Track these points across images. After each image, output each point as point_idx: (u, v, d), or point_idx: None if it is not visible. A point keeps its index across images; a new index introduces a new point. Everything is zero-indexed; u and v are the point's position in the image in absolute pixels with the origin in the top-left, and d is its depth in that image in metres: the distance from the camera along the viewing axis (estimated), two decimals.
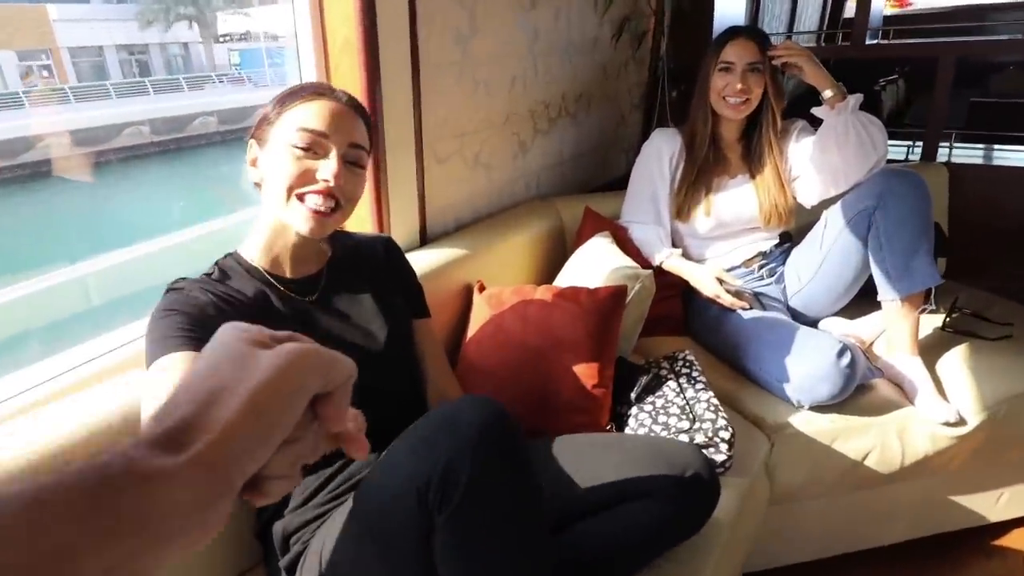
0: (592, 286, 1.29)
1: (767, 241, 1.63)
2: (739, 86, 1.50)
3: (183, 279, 0.87)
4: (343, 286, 0.98)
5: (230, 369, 0.29)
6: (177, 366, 0.73)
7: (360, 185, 0.90)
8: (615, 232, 1.61)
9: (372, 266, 1.03)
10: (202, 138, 11.26)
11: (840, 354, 1.20)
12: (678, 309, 1.64)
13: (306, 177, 0.84)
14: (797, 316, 1.59)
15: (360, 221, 1.35)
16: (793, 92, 2.12)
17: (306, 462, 0.32)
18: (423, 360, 1.07)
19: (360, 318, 0.96)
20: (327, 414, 0.31)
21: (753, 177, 1.60)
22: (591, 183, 2.13)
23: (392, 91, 1.27)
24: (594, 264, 1.43)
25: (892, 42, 3.22)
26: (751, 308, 1.50)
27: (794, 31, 4.32)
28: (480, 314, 1.34)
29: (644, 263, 1.56)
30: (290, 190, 0.85)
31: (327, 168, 0.84)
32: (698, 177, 1.58)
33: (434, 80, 1.40)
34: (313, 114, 0.85)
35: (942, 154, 2.08)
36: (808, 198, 1.55)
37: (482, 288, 1.40)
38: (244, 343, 0.31)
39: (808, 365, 1.24)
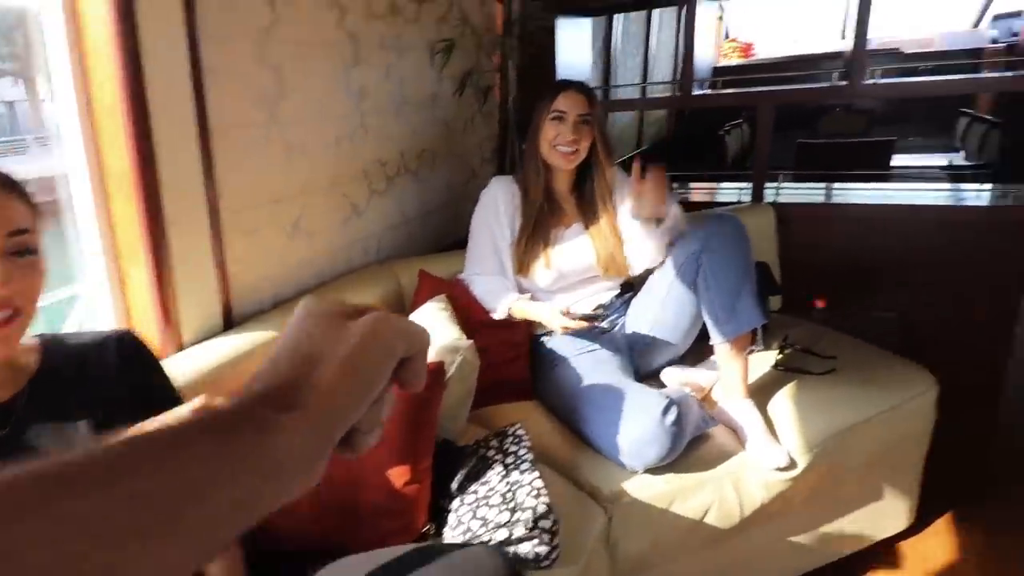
0: None
1: (608, 292, 1.63)
2: (571, 136, 1.51)
3: None
4: (49, 412, 0.78)
5: (323, 337, 0.31)
6: None
7: (38, 276, 0.72)
8: (453, 293, 1.53)
9: (97, 378, 0.83)
10: None
11: (665, 411, 1.18)
12: (524, 371, 1.58)
13: None
14: (640, 366, 1.58)
15: (141, 309, 1.18)
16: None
17: (385, 419, 0.35)
18: None
19: (66, 447, 0.76)
20: (409, 377, 0.34)
21: (588, 227, 1.60)
22: (443, 241, 2.06)
23: (172, 158, 1.13)
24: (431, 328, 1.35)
25: (719, 92, 3.51)
26: (598, 325, 1.49)
27: (648, 82, 4.63)
28: None
29: (487, 319, 1.51)
30: None
31: None
32: (535, 229, 1.56)
33: (233, 145, 1.28)
34: None
35: (770, 195, 2.22)
36: (635, 266, 1.60)
37: None
38: (332, 313, 0.33)
39: (635, 428, 1.21)
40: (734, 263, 1.41)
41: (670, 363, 1.61)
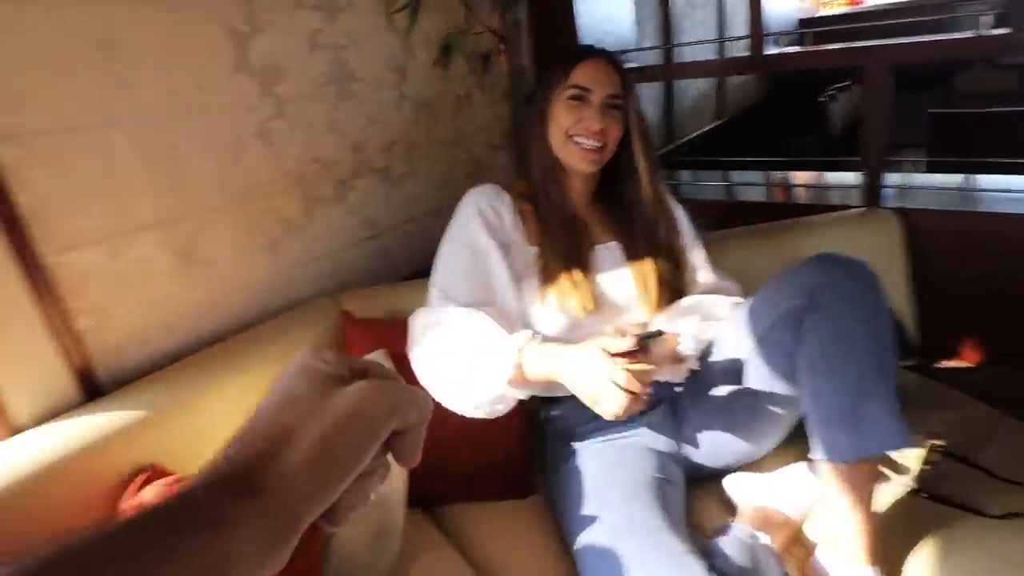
0: None
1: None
2: (597, 124, 1.04)
3: None
4: None
5: (306, 405, 0.29)
6: None
7: None
8: (398, 342, 1.07)
9: None
10: None
11: None
12: (518, 454, 1.10)
13: None
14: (697, 461, 1.04)
15: None
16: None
17: (376, 489, 0.32)
18: None
19: None
20: (401, 452, 0.32)
21: (626, 248, 1.11)
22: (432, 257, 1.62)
23: None
24: None
25: (807, 49, 2.71)
26: (685, 379, 0.99)
27: (725, 38, 3.88)
28: None
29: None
30: None
31: None
32: (564, 246, 1.07)
33: (55, 159, 0.91)
34: None
35: (890, 194, 1.54)
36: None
37: (146, 481, 0.87)
38: (322, 376, 0.30)
39: None
40: (861, 337, 0.83)
41: (741, 465, 1.05)
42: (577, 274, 1.04)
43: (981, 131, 2.77)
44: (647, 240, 1.11)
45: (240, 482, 0.26)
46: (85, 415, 0.91)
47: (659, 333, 0.88)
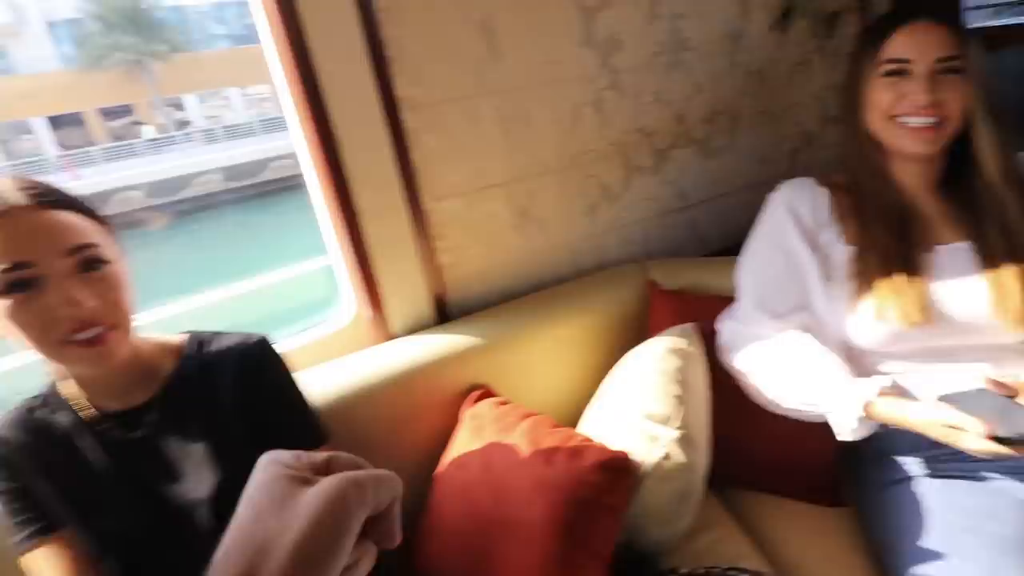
0: (605, 436, 0.83)
1: (1007, 357, 0.87)
2: (925, 98, 0.87)
3: None
4: (177, 419, 0.75)
5: (273, 517, 0.29)
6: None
7: (116, 286, 0.68)
8: (707, 322, 1.05)
9: (218, 388, 0.77)
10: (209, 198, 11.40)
11: None
12: (824, 460, 0.98)
13: (44, 321, 0.64)
14: None
15: (355, 297, 1.13)
16: None
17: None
18: None
19: (185, 464, 0.73)
20: (379, 536, 0.31)
21: (980, 247, 0.89)
22: (743, 234, 1.53)
23: (355, 144, 1.03)
24: (629, 391, 0.94)
25: None
26: None
27: None
28: (460, 437, 0.97)
29: None
30: (46, 340, 0.65)
31: (58, 301, 0.63)
32: (891, 246, 0.91)
33: (431, 123, 1.11)
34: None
35: None
36: None
37: (480, 397, 1.03)
38: (284, 482, 0.30)
39: None
40: None
41: None
42: (902, 278, 0.87)
43: None
44: (1006, 239, 0.87)
45: None
46: (437, 335, 1.12)
47: None
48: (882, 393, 0.82)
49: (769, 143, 1.54)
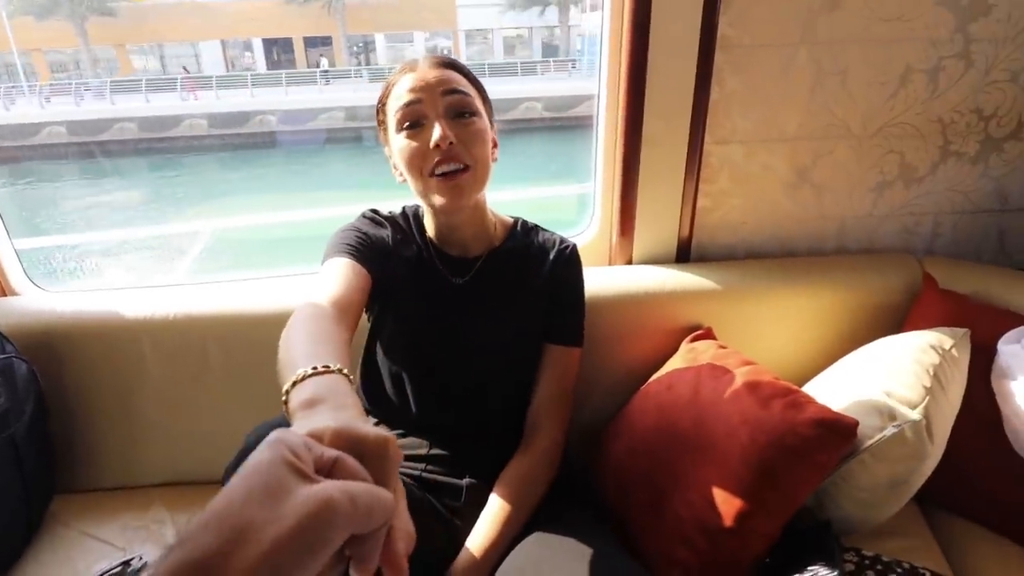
0: (831, 401, 0.83)
1: None
2: None
3: (375, 210, 0.98)
4: (494, 281, 0.93)
5: (262, 504, 0.28)
6: (337, 270, 0.80)
7: (479, 137, 0.83)
8: (980, 325, 0.95)
9: (532, 271, 0.94)
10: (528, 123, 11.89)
11: None
12: None
13: (420, 152, 0.82)
14: None
15: (602, 219, 1.23)
16: None
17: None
18: (538, 384, 0.94)
19: (492, 318, 0.91)
20: (357, 556, 0.32)
21: None
22: None
23: (663, 76, 1.07)
24: (874, 368, 0.90)
25: None
26: None
27: None
28: (673, 363, 1.05)
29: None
30: (418, 169, 0.83)
31: (434, 133, 0.80)
32: None
33: (743, 67, 1.10)
34: (404, 88, 0.82)
35: None
36: None
37: (701, 336, 1.08)
38: (285, 471, 0.30)
39: None
40: None
41: None
42: None
43: None
44: None
45: None
46: (673, 269, 1.17)
47: None
48: None
49: None
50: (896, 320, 1.11)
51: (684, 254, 1.24)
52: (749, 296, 1.13)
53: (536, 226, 1.00)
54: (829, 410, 0.78)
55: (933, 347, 0.90)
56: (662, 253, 1.23)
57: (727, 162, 1.17)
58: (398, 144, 0.84)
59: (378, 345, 0.95)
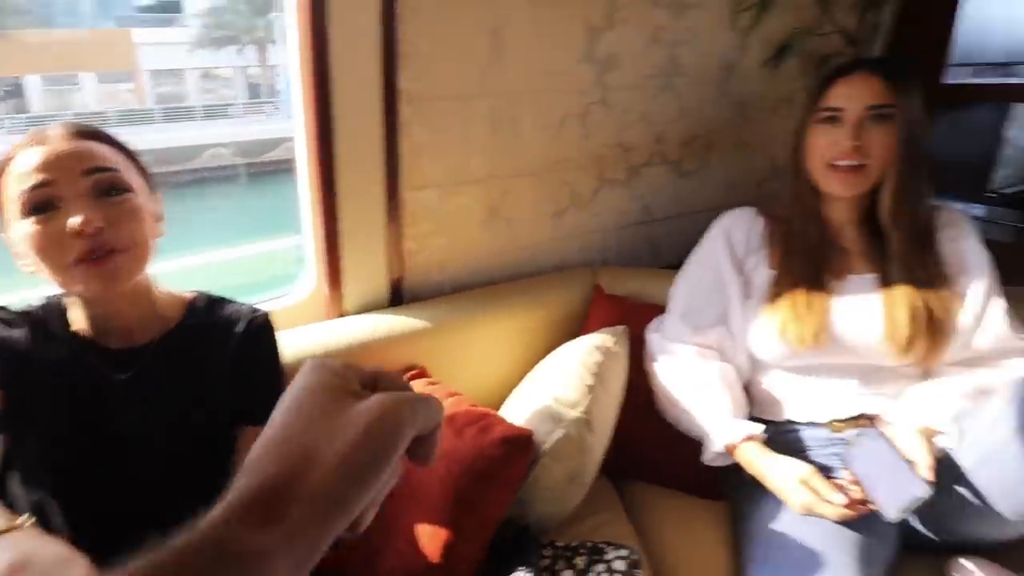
0: (517, 416, 0.95)
1: (885, 398, 1.03)
2: (849, 143, 0.98)
3: (3, 307, 0.80)
4: (170, 368, 0.81)
5: (322, 425, 0.28)
6: None
7: (133, 217, 0.73)
8: (638, 324, 1.19)
9: (216, 350, 0.84)
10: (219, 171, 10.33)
11: None
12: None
13: (56, 241, 0.70)
14: (911, 535, 0.98)
15: (318, 272, 1.21)
16: None
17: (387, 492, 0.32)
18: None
19: (167, 412, 0.80)
20: (419, 454, 0.31)
21: (885, 281, 1.03)
22: None
23: (351, 129, 1.09)
24: (548, 377, 1.07)
25: None
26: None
27: None
28: None
29: None
30: (56, 260, 0.71)
31: (73, 220, 0.69)
32: (804, 273, 1.05)
33: (426, 118, 1.17)
34: (30, 166, 0.70)
35: None
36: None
37: (414, 377, 1.15)
38: (334, 392, 0.30)
39: None
40: None
41: (981, 542, 0.95)
42: (808, 303, 1.01)
43: None
44: (906, 273, 1.00)
45: (264, 510, 0.26)
46: (384, 315, 1.21)
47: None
48: (749, 438, 0.99)
49: (740, 171, 1.63)
50: (578, 328, 1.31)
51: (398, 297, 1.28)
52: (457, 329, 1.23)
53: (222, 299, 0.90)
54: (512, 427, 0.90)
55: (597, 347, 1.08)
56: (375, 299, 1.25)
57: (425, 206, 1.24)
58: (23, 231, 0.70)
59: (11, 479, 0.77)
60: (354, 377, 0.32)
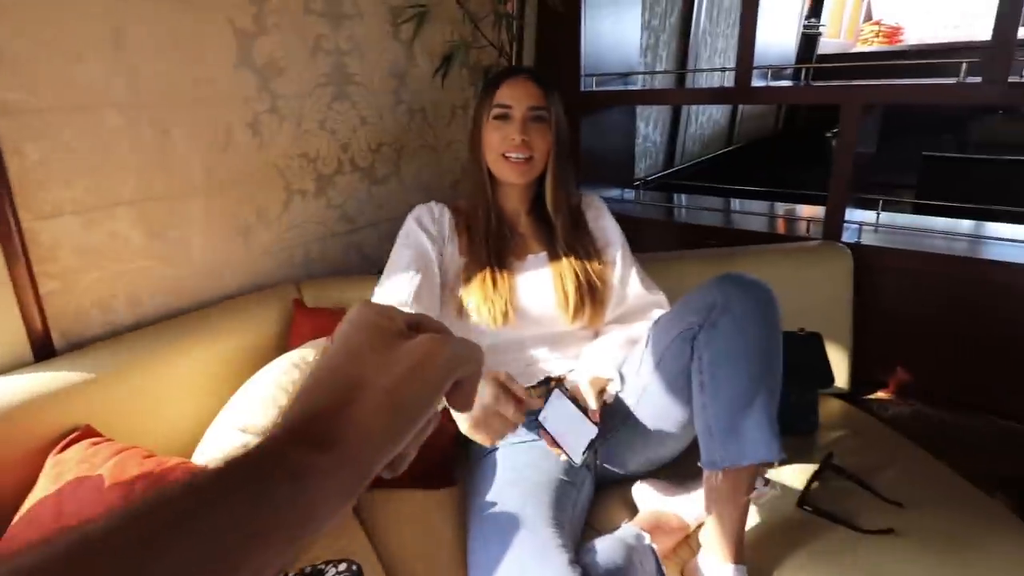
0: (208, 454, 0.84)
1: (570, 359, 1.17)
2: (519, 137, 1.11)
3: None
4: None
5: (372, 358, 0.30)
6: None
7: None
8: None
9: None
10: None
11: None
12: (444, 449, 1.18)
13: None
14: (609, 464, 1.12)
15: None
16: None
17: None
18: None
19: None
20: (458, 401, 0.33)
21: (551, 258, 1.17)
22: None
23: None
24: (236, 406, 0.99)
25: (792, 86, 2.68)
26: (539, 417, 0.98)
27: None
28: (37, 491, 0.88)
29: None
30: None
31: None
32: (488, 258, 1.13)
33: (43, 133, 0.97)
34: None
35: (854, 232, 1.62)
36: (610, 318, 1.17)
37: (74, 440, 0.94)
38: (383, 329, 0.31)
39: None
40: (746, 356, 0.92)
41: (652, 471, 1.14)
42: (494, 284, 1.11)
43: (982, 179, 2.82)
44: (568, 249, 1.17)
45: (316, 433, 0.27)
46: (30, 373, 0.98)
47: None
48: None
49: (432, 174, 1.72)
50: (283, 347, 1.23)
51: (47, 349, 1.05)
52: (131, 373, 1.05)
53: None
54: (191, 467, 0.80)
55: (295, 364, 1.03)
56: (12, 358, 1.00)
57: (64, 237, 1.04)
58: None
59: None
60: (400, 318, 0.33)
